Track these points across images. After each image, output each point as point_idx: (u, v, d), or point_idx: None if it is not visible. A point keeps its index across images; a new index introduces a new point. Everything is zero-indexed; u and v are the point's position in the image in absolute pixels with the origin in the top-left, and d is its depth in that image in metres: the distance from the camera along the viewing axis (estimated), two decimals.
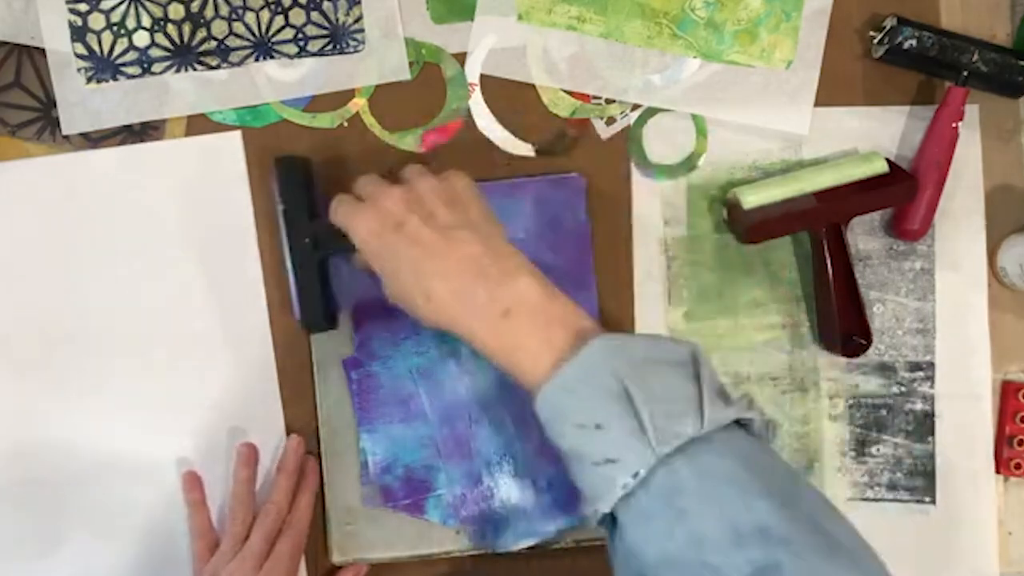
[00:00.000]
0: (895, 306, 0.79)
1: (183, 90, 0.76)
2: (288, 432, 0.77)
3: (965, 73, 0.76)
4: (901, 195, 0.75)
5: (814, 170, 0.76)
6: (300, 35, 0.76)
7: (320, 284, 0.72)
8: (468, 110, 0.78)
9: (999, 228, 0.79)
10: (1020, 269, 0.76)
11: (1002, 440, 0.78)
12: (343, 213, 0.66)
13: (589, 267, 0.77)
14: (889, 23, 0.76)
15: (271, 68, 0.76)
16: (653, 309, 0.78)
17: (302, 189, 0.72)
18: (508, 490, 0.76)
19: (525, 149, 0.78)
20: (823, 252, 0.75)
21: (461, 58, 0.77)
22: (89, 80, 0.75)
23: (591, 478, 0.56)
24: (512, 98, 0.78)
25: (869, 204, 0.76)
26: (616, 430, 0.54)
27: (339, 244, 0.68)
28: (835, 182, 0.75)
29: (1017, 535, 0.79)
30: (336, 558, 0.76)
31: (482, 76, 0.77)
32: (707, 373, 0.56)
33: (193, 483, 0.76)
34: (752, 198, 0.75)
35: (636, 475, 0.53)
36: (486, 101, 0.78)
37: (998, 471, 0.79)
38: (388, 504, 0.75)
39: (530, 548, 0.76)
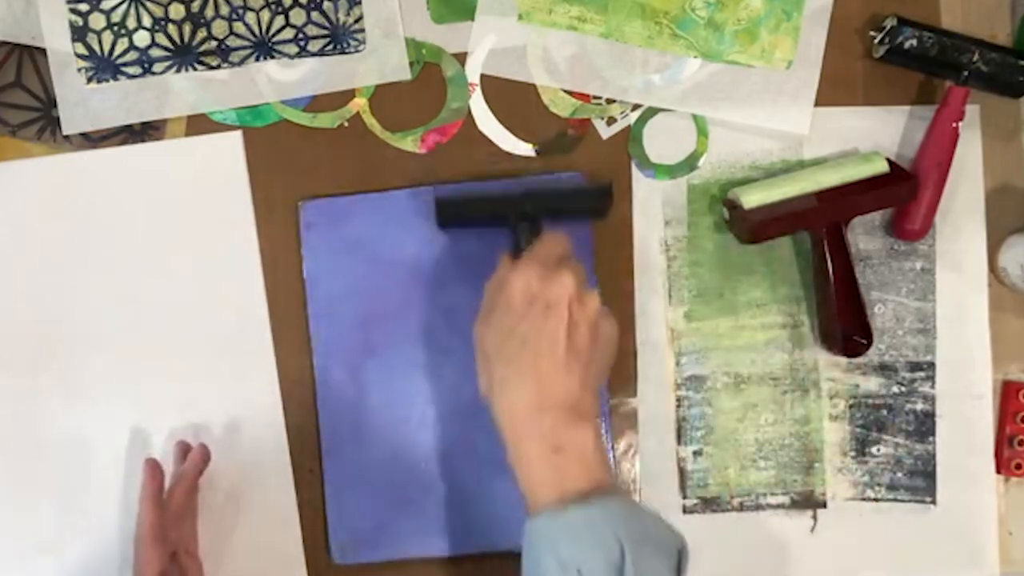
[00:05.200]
0: (895, 306, 0.79)
1: (183, 90, 0.76)
2: (288, 433, 0.77)
3: (965, 73, 0.76)
4: (902, 195, 0.75)
5: (814, 170, 0.76)
6: (300, 35, 0.76)
7: None
8: (468, 110, 0.78)
9: (999, 228, 0.79)
10: (1020, 269, 0.76)
11: (1002, 440, 0.78)
12: (523, 257, 0.67)
13: (589, 267, 0.77)
14: (889, 23, 0.76)
15: (271, 68, 0.76)
16: (654, 309, 0.78)
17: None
18: (509, 494, 0.76)
19: (525, 149, 0.78)
20: (823, 252, 0.75)
21: (461, 58, 0.77)
22: (90, 80, 0.75)
23: None
24: (512, 98, 0.78)
25: (870, 204, 0.76)
26: None
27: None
28: (836, 182, 0.75)
29: (1017, 535, 0.79)
30: (337, 558, 0.76)
31: (482, 76, 0.77)
32: (686, 567, 0.59)
33: (154, 472, 0.72)
34: (752, 198, 0.75)
35: None
36: (486, 101, 0.78)
37: (998, 471, 0.78)
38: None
39: None
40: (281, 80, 0.77)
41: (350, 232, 0.76)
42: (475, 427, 0.76)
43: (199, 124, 0.77)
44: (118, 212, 0.77)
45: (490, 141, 0.78)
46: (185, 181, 0.77)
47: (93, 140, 0.77)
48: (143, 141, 0.77)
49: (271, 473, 0.76)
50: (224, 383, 0.77)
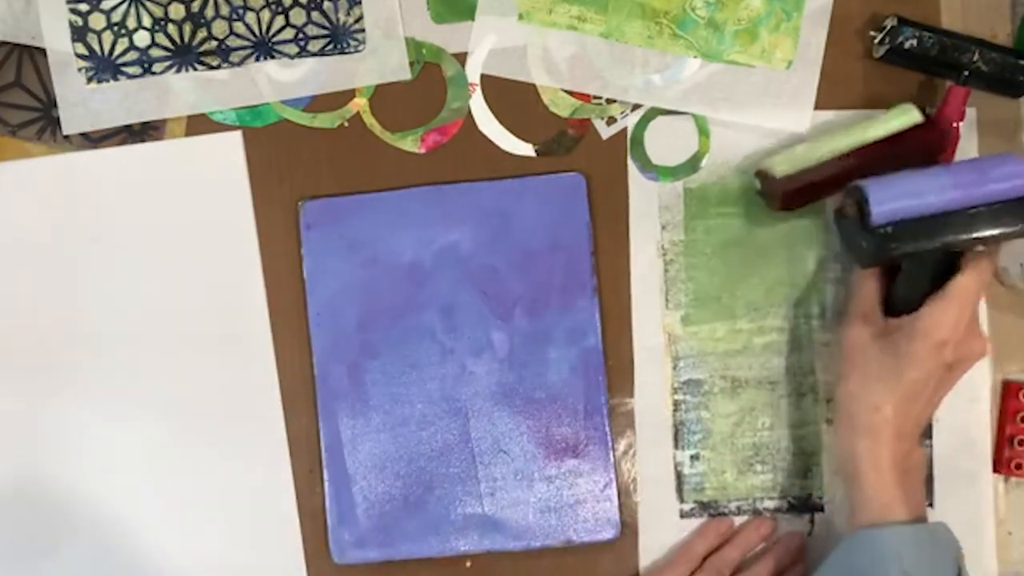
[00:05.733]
0: None
1: (183, 90, 0.76)
2: (288, 432, 0.77)
3: (966, 73, 0.76)
4: (935, 146, 0.74)
5: (845, 130, 0.74)
6: (300, 35, 0.76)
7: None
8: (468, 110, 0.78)
9: None
10: (1020, 269, 0.76)
11: (1002, 440, 0.78)
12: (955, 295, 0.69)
13: (589, 267, 0.77)
14: (889, 23, 0.76)
15: (271, 68, 0.76)
16: (651, 313, 0.78)
17: None
18: (509, 494, 0.76)
19: (525, 149, 0.78)
20: None
21: (462, 58, 0.77)
22: (90, 80, 0.75)
23: None
24: (512, 98, 0.77)
25: (903, 157, 0.73)
26: None
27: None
28: (870, 139, 0.74)
29: (1017, 535, 0.79)
30: (337, 558, 0.76)
31: (482, 76, 0.77)
32: None
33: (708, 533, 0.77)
34: (784, 167, 0.73)
35: None
36: (486, 101, 0.78)
37: (998, 471, 0.78)
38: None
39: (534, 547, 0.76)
40: (281, 80, 0.77)
41: (350, 232, 0.77)
42: (475, 427, 0.76)
43: (199, 124, 0.77)
44: (118, 212, 0.77)
45: (490, 141, 0.78)
46: (185, 181, 0.77)
47: (93, 140, 0.77)
48: (143, 141, 0.77)
49: (271, 473, 0.77)
50: (224, 383, 0.77)
